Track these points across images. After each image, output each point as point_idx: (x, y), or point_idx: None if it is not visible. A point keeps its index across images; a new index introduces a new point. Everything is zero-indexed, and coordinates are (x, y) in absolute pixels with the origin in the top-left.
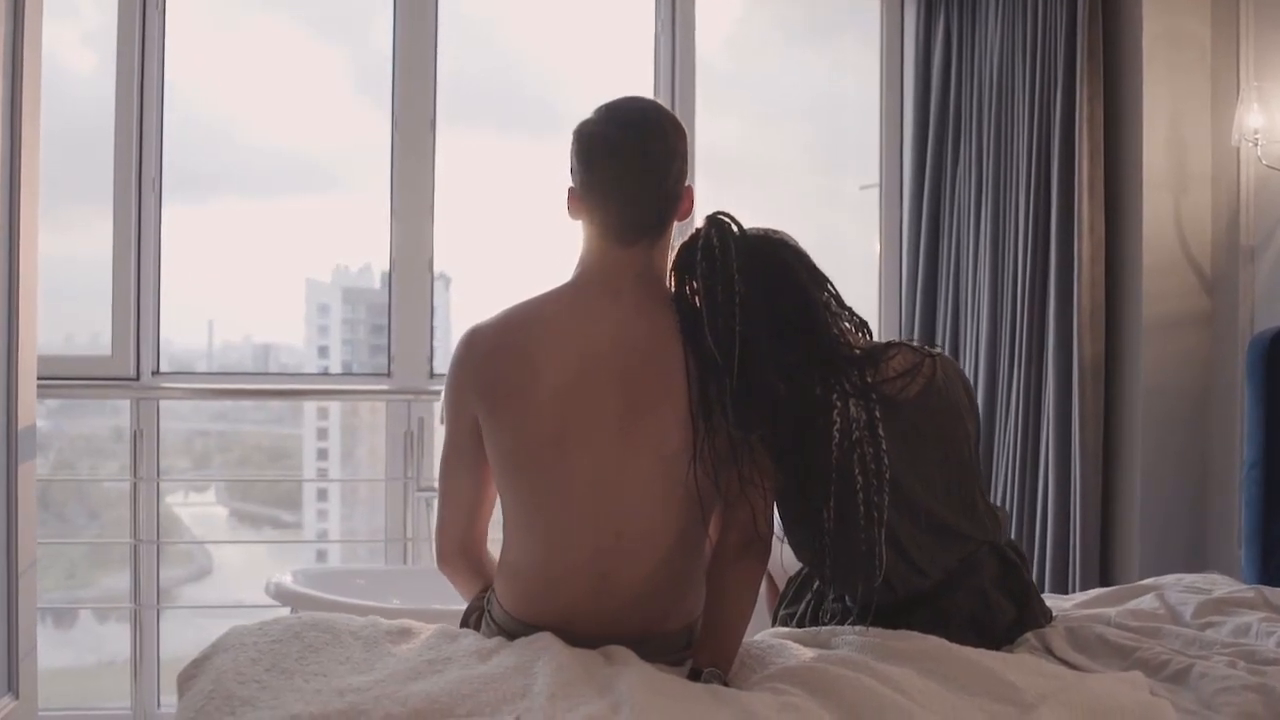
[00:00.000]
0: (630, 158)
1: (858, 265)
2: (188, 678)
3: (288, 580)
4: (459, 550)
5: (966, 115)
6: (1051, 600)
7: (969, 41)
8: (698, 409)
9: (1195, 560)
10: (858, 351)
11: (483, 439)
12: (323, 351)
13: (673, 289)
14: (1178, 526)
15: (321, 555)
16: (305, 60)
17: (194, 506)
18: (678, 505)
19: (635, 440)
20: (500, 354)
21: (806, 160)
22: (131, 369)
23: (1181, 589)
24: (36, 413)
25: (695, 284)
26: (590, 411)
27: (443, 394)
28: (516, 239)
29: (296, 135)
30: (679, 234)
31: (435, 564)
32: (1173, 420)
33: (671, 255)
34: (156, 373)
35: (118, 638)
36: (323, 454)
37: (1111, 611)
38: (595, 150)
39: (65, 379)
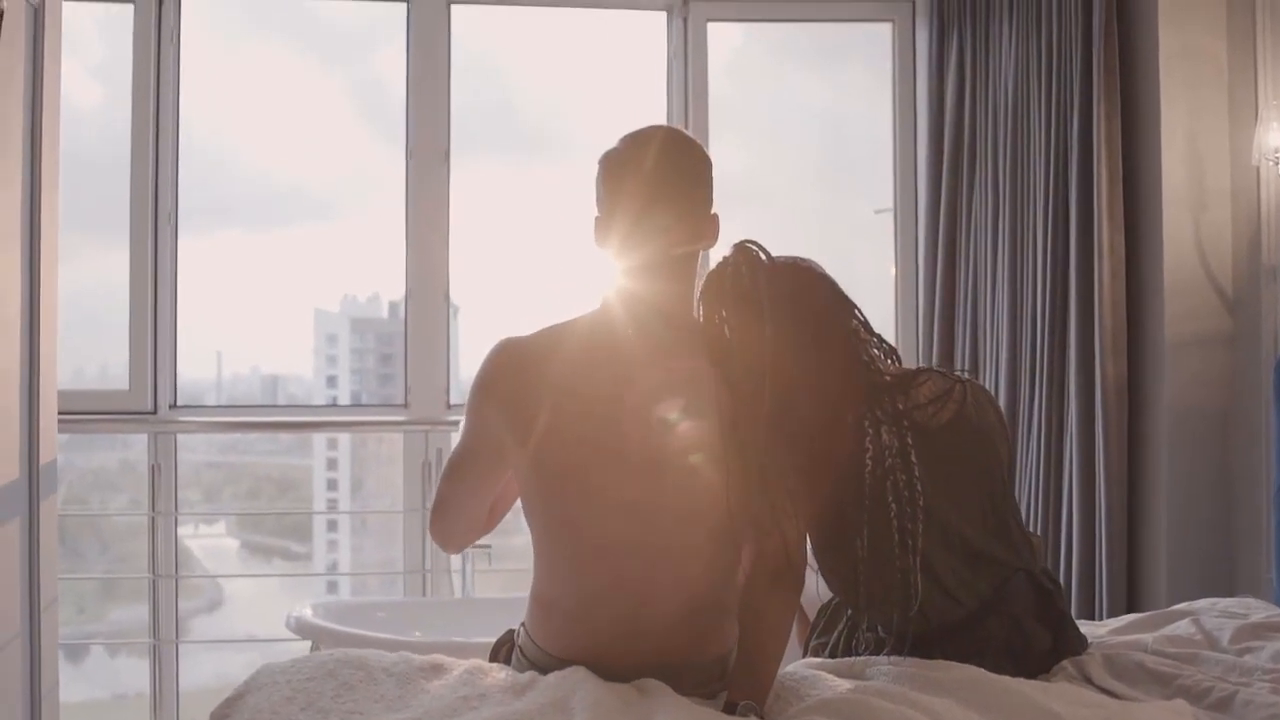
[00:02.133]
0: (657, 185)
1: (872, 289)
2: (221, 717)
3: (308, 614)
4: (458, 545)
5: (982, 136)
6: (1084, 627)
7: (983, 62)
8: (729, 438)
9: (1223, 584)
10: (888, 378)
11: (502, 459)
12: (331, 381)
13: (701, 317)
14: (1205, 550)
15: (332, 586)
16: (306, 91)
17: (205, 538)
18: (710, 534)
19: (667, 469)
20: (531, 372)
21: (817, 185)
22: (149, 403)
23: (1217, 614)
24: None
25: (724, 312)
26: (619, 439)
27: (466, 402)
28: (523, 268)
29: (300, 165)
30: (704, 263)
31: (452, 600)
32: (1197, 441)
33: (699, 284)
34: (174, 406)
35: (131, 671)
36: (332, 484)
37: (1148, 638)
38: (622, 176)
39: (83, 413)
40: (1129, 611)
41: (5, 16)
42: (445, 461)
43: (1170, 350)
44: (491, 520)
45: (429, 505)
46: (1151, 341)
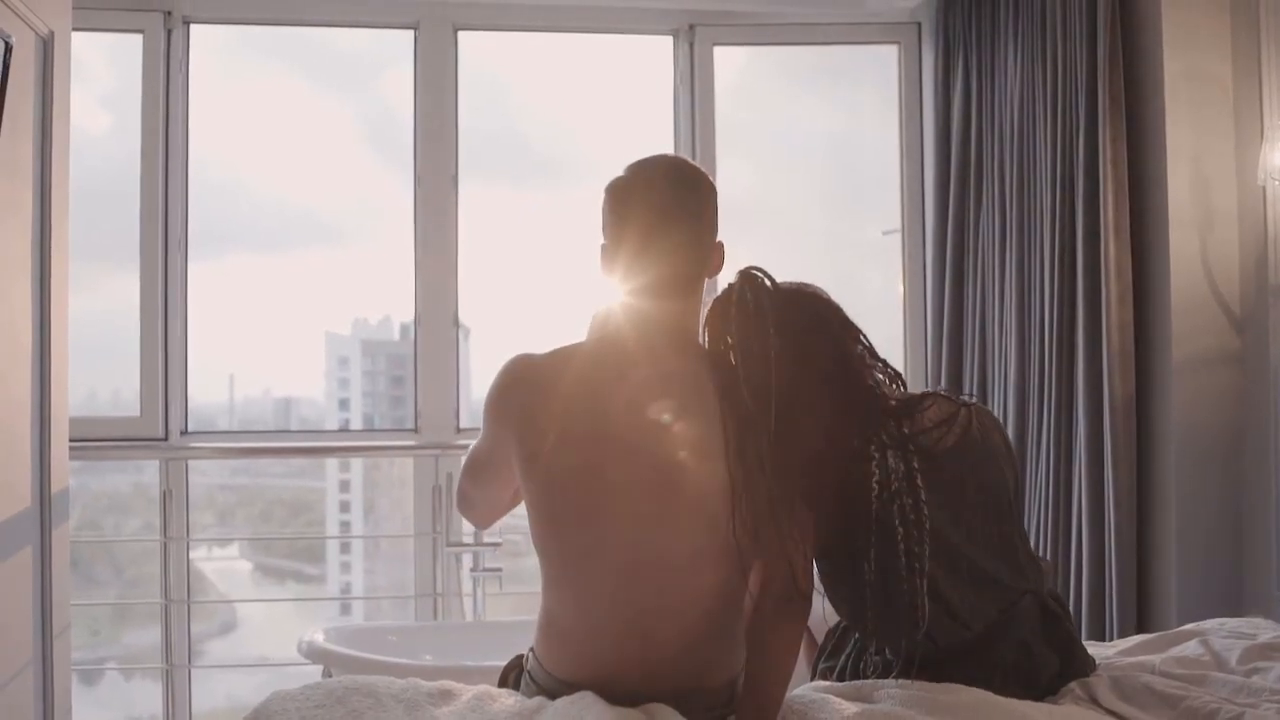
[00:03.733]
0: (662, 210)
1: (880, 310)
2: None
3: (320, 639)
4: (486, 524)
5: (988, 158)
6: (1092, 648)
7: (988, 83)
8: (735, 464)
9: (1234, 603)
10: (893, 403)
11: (513, 468)
12: (343, 404)
13: (707, 344)
14: (1215, 569)
15: (346, 609)
16: (316, 117)
17: (218, 561)
18: (718, 560)
19: (674, 495)
20: (540, 392)
21: (824, 207)
22: (160, 430)
23: (1225, 634)
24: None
25: (729, 339)
26: (627, 465)
27: (483, 410)
28: (535, 290)
29: (311, 191)
30: (709, 291)
31: (464, 624)
32: (1206, 460)
33: (704, 311)
34: (185, 433)
35: (144, 695)
36: (345, 506)
37: (1155, 659)
38: (628, 204)
39: (94, 440)
40: (1139, 632)
41: (14, 49)
42: (465, 456)
43: (1178, 370)
44: (515, 500)
45: (438, 529)
46: (1159, 361)
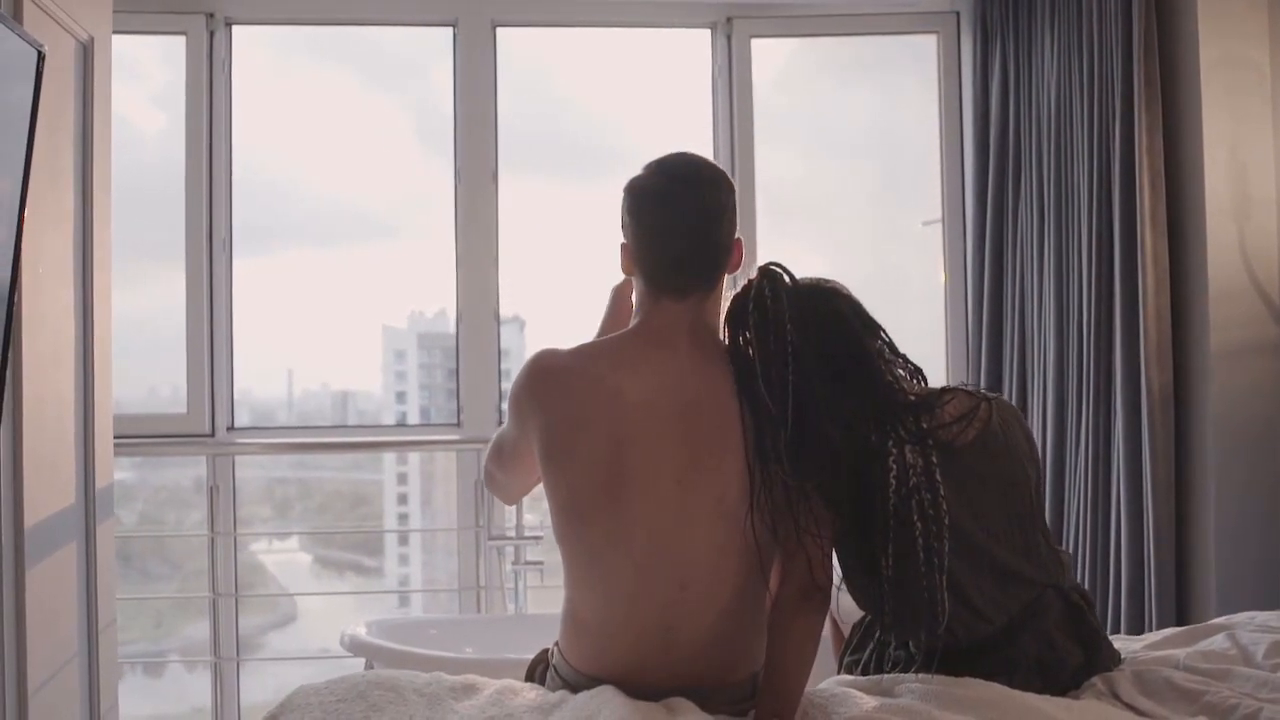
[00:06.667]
0: (681, 207)
1: (922, 300)
2: None
3: (362, 632)
4: (514, 501)
5: (1026, 148)
6: (1121, 642)
7: (1026, 73)
8: (754, 459)
9: (1275, 596)
10: (912, 398)
11: (539, 471)
12: (400, 397)
13: (726, 340)
14: (1255, 561)
15: (404, 600)
16: (363, 113)
17: (278, 554)
18: (738, 556)
19: (694, 491)
20: (567, 380)
21: (866, 197)
22: (207, 425)
23: (1254, 628)
24: (114, 471)
25: (748, 335)
26: (648, 461)
27: (508, 402)
28: (587, 281)
29: (365, 186)
30: (730, 287)
31: (505, 616)
32: (1245, 450)
33: (724, 307)
34: (231, 428)
35: (203, 687)
36: (402, 499)
37: (1181, 653)
38: (646, 202)
39: (143, 437)
40: (1179, 624)
41: (51, 57)
42: (492, 440)
43: (1216, 359)
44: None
45: (480, 523)
46: (1197, 350)
